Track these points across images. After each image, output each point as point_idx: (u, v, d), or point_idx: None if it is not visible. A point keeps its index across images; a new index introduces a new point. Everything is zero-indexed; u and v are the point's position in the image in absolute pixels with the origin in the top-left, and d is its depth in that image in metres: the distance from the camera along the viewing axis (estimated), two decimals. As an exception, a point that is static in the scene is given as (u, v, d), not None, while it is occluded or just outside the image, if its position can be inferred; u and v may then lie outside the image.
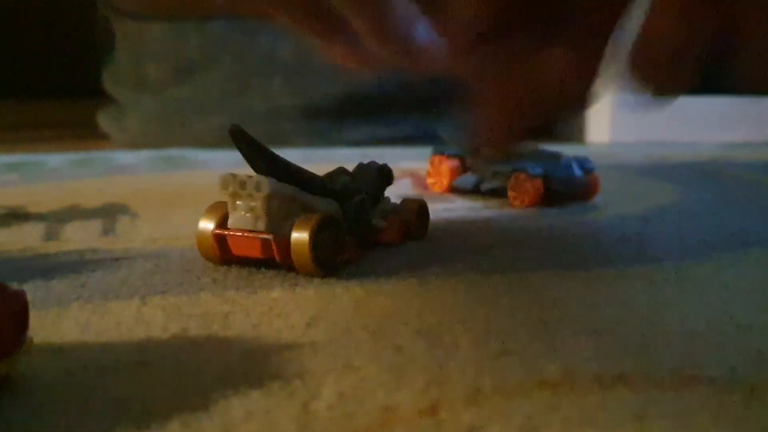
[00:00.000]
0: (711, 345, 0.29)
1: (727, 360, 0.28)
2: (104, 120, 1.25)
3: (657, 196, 0.65)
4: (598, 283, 0.37)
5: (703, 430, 0.22)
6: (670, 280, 0.38)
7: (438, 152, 0.66)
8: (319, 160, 0.91)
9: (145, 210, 0.59)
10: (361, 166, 0.46)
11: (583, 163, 0.60)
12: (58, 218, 0.54)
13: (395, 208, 0.46)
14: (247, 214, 0.38)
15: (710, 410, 0.23)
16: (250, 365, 0.27)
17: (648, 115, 1.18)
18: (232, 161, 0.85)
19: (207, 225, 0.40)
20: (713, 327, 0.31)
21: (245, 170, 0.39)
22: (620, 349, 0.29)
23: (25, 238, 0.48)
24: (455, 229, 0.51)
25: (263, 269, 0.40)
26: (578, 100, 0.41)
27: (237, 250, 0.39)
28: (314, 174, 0.41)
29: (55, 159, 0.92)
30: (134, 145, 1.16)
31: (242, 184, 0.38)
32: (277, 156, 0.39)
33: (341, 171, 0.44)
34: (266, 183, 0.37)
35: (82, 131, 1.43)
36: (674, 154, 1.01)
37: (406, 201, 0.46)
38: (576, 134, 1.24)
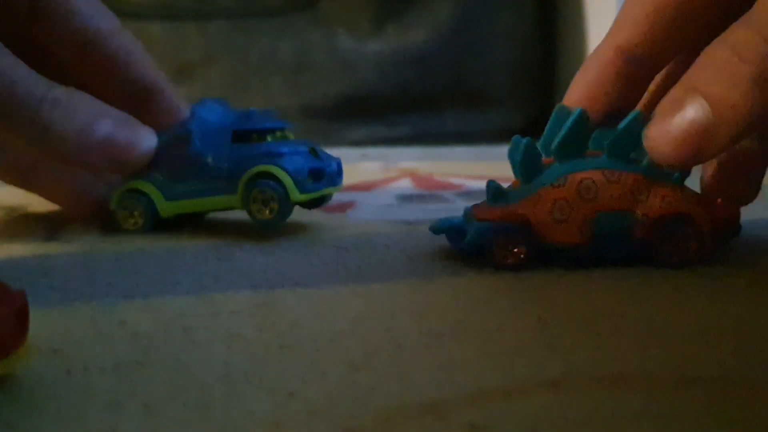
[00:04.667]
0: (711, 345, 0.29)
1: (727, 360, 0.27)
2: (104, 120, 1.25)
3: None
4: (599, 283, 0.37)
5: (703, 430, 0.22)
6: (670, 280, 0.38)
7: None
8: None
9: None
10: None
11: None
12: (58, 218, 0.54)
13: None
14: None
15: (710, 410, 0.23)
16: (250, 365, 0.27)
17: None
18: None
19: None
20: (713, 327, 0.31)
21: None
22: (620, 349, 0.29)
23: (25, 238, 0.48)
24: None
25: (265, 268, 0.40)
26: None
27: None
28: None
29: (55, 159, 0.92)
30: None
31: None
32: None
33: None
34: None
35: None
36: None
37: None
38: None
